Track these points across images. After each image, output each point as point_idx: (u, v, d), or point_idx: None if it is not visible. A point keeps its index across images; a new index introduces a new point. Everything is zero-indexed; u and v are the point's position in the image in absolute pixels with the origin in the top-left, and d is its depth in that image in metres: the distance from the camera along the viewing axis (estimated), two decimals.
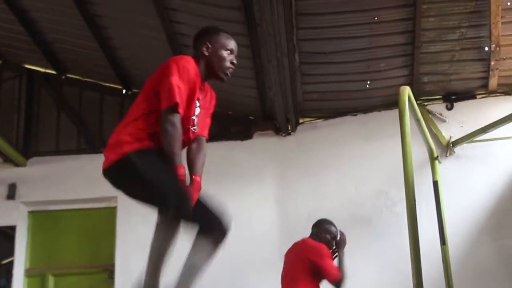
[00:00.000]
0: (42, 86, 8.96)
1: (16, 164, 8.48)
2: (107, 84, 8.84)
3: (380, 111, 8.04)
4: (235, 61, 3.88)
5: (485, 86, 7.78)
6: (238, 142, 8.25)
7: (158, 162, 3.41)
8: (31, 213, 8.54)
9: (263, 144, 8.22)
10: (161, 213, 3.30)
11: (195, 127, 3.73)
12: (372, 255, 7.41)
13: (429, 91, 7.91)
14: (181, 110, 3.45)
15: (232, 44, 3.87)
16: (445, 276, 6.97)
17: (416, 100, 6.33)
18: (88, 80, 8.94)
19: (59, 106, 8.85)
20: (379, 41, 7.02)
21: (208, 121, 3.92)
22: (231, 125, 8.41)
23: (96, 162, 8.43)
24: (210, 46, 3.78)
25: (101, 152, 8.54)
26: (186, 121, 3.61)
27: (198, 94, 3.71)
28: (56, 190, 8.33)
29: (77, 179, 8.28)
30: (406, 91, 5.63)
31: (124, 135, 3.51)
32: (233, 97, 8.07)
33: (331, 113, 8.19)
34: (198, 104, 3.72)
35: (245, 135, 8.32)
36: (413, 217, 5.14)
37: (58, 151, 8.64)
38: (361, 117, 8.14)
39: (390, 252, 7.37)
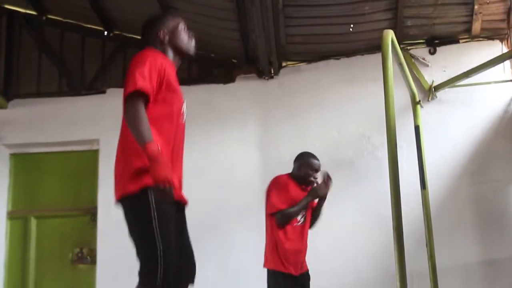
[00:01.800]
0: (22, 27, 8.81)
1: None
2: (89, 26, 8.71)
3: (363, 55, 8.01)
4: (192, 33, 3.93)
5: (468, 30, 7.76)
6: (221, 85, 8.20)
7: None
8: (12, 155, 8.50)
9: (245, 88, 8.18)
10: (143, 281, 3.31)
11: (184, 118, 3.73)
12: (353, 199, 7.47)
13: (412, 35, 7.88)
14: (147, 91, 3.40)
15: (181, 20, 3.92)
16: (424, 220, 7.06)
17: (399, 44, 6.31)
18: (69, 21, 8.80)
19: (40, 47, 8.73)
20: None
21: None
22: (214, 68, 8.36)
23: (77, 105, 8.51)
24: (166, 31, 3.81)
25: (82, 95, 8.54)
26: (178, 110, 3.63)
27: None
28: (38, 132, 8.29)
29: (59, 122, 8.24)
30: (389, 35, 5.61)
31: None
32: (216, 39, 8.01)
33: (314, 56, 8.15)
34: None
35: (227, 78, 8.26)
36: (394, 161, 5.17)
37: (39, 93, 8.54)
38: (344, 61, 8.11)
39: (371, 196, 7.44)
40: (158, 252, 3.26)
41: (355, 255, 7.40)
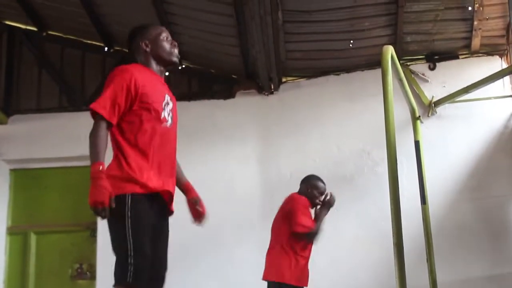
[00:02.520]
0: (23, 43, 8.84)
1: None
2: (89, 42, 8.73)
3: (363, 70, 8.03)
4: (175, 43, 3.95)
5: (467, 46, 7.78)
6: (221, 101, 8.22)
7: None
8: (13, 171, 8.51)
9: (245, 103, 8.19)
10: (116, 279, 3.39)
11: (169, 122, 3.72)
12: (354, 214, 7.47)
13: (412, 51, 7.90)
14: (106, 116, 3.48)
15: (163, 30, 3.96)
16: (425, 235, 7.04)
17: (399, 59, 6.33)
18: (70, 37, 8.82)
19: (41, 63, 8.74)
20: None
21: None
22: (214, 83, 8.37)
23: (78, 120, 8.51)
24: (147, 42, 3.84)
25: (82, 110, 8.56)
26: (156, 118, 3.64)
27: (164, 90, 3.79)
28: (38, 148, 8.28)
29: (59, 137, 8.23)
30: (389, 51, 5.62)
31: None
32: (216, 55, 8.02)
33: (314, 72, 8.17)
34: (168, 99, 3.78)
35: (227, 94, 8.28)
36: (394, 177, 5.17)
37: (39, 109, 8.56)
38: (344, 76, 8.12)
39: (371, 211, 7.44)
40: (129, 252, 3.35)
41: (355, 270, 7.38)
